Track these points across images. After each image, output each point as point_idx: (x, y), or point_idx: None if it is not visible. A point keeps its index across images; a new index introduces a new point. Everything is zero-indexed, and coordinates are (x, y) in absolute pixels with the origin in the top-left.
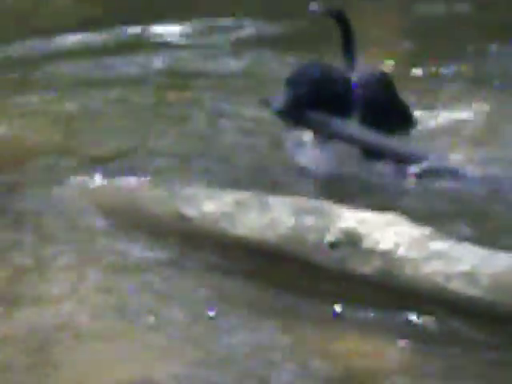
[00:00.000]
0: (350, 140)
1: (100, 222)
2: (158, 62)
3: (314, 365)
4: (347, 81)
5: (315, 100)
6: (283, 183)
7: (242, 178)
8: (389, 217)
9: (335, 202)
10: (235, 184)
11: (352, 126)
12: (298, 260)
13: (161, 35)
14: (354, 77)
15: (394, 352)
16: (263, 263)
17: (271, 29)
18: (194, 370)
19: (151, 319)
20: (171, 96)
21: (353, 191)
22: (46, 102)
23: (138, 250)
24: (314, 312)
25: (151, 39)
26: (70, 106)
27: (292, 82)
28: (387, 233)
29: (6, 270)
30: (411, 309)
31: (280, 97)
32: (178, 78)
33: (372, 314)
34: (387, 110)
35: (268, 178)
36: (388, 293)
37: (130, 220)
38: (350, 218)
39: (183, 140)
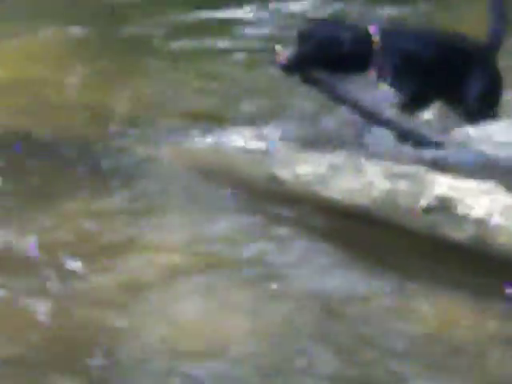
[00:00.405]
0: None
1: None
2: None
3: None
4: (362, 41)
5: (319, 60)
6: None
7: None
8: (483, 184)
9: None
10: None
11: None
12: (391, 224)
13: None
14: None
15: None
16: (355, 226)
17: None
18: None
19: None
20: None
21: None
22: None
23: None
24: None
25: None
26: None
27: (299, 39)
28: (481, 200)
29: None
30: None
31: (288, 53)
32: None
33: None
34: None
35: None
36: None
37: (226, 181)
38: (443, 184)
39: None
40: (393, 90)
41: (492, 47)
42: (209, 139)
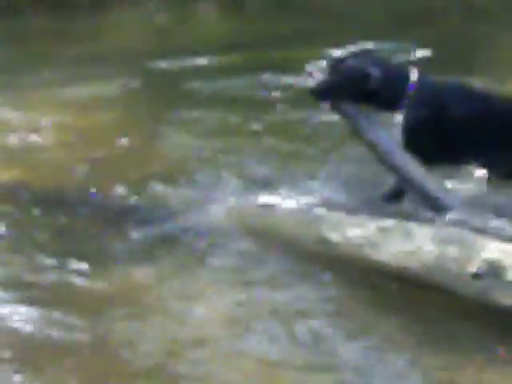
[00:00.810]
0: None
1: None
2: None
3: None
4: (395, 79)
5: (345, 91)
6: None
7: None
8: None
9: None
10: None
11: (378, 134)
12: (440, 289)
13: None
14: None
15: None
16: (405, 290)
17: None
18: None
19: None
20: None
21: None
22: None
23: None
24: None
25: None
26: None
27: (331, 67)
28: None
29: None
30: None
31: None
32: None
33: None
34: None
35: None
36: None
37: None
38: (493, 249)
39: None
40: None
41: None
42: (260, 199)
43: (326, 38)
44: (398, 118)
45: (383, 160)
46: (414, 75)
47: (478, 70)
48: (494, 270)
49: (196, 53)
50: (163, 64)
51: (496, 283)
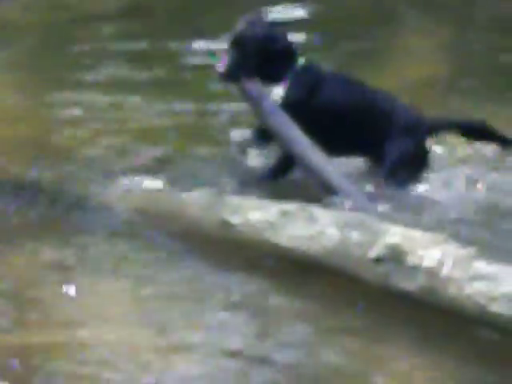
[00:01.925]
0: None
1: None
2: None
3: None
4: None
5: (255, 65)
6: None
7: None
8: (434, 235)
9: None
10: None
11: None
12: (341, 273)
13: None
14: None
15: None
16: (306, 275)
17: None
18: None
19: None
20: None
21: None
22: None
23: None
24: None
25: None
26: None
27: (234, 44)
28: (432, 251)
29: None
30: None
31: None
32: None
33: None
34: None
35: None
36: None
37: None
38: (395, 234)
39: None
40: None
41: (430, 125)
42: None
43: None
44: (279, 91)
45: (285, 146)
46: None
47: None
48: (395, 255)
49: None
50: None
51: (397, 268)
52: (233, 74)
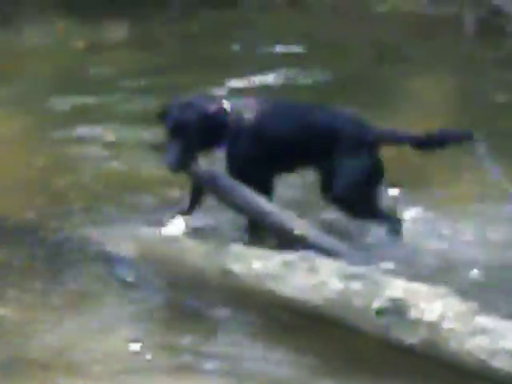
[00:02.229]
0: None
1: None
2: None
3: None
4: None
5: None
6: None
7: None
8: (436, 288)
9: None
10: None
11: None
12: (343, 324)
13: None
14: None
15: None
16: (307, 325)
17: None
18: None
19: None
20: None
21: None
22: None
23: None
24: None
25: None
26: None
27: (173, 133)
28: (434, 304)
29: None
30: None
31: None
32: None
33: None
34: None
35: None
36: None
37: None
38: (397, 287)
39: None
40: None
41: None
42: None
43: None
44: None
45: (255, 216)
46: (227, 106)
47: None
48: (397, 308)
49: None
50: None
51: (399, 321)
52: (182, 163)
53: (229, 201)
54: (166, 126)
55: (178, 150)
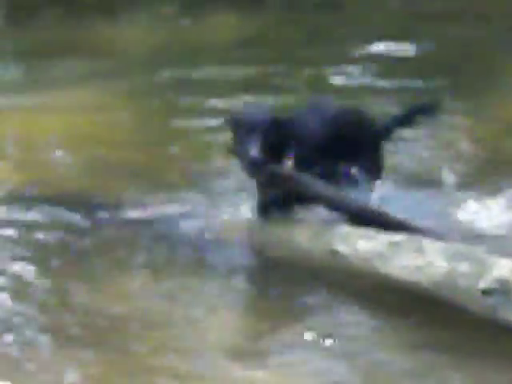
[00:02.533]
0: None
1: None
2: None
3: None
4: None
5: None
6: None
7: None
8: None
9: None
10: None
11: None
12: (449, 305)
13: None
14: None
15: None
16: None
17: None
18: None
19: None
20: None
21: None
22: None
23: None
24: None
25: None
26: None
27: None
28: None
29: None
30: None
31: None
32: None
33: None
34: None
35: None
36: None
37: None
38: (504, 266)
39: None
40: None
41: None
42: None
43: None
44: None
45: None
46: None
47: None
48: (504, 288)
49: None
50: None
51: (506, 301)
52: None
53: (315, 195)
54: (243, 127)
55: (258, 145)
